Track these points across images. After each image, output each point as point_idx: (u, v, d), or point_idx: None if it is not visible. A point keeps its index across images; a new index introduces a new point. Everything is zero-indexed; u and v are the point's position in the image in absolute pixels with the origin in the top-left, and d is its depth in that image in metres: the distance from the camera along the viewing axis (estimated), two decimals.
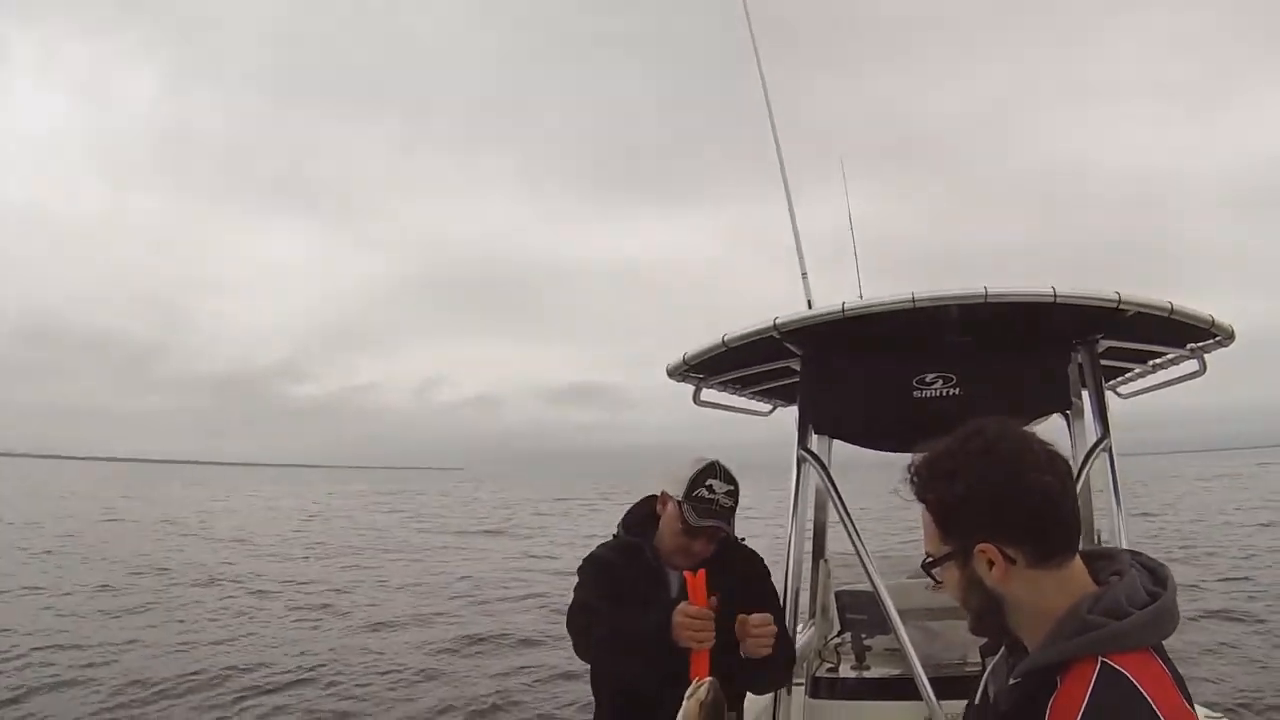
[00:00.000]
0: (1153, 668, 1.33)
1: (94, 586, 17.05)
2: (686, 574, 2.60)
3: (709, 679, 2.12)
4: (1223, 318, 3.00)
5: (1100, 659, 1.32)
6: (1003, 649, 1.57)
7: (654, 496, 2.95)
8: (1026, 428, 1.53)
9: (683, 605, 2.50)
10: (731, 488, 2.79)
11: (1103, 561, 1.48)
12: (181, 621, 13.89)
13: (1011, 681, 1.44)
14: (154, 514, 39.05)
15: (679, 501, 2.77)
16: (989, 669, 1.61)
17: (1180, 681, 1.36)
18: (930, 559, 1.51)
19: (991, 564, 1.42)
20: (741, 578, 2.78)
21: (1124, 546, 2.40)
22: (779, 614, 2.87)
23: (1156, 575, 1.45)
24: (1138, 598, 1.39)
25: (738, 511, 2.82)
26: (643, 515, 2.96)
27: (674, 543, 2.82)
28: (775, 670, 2.83)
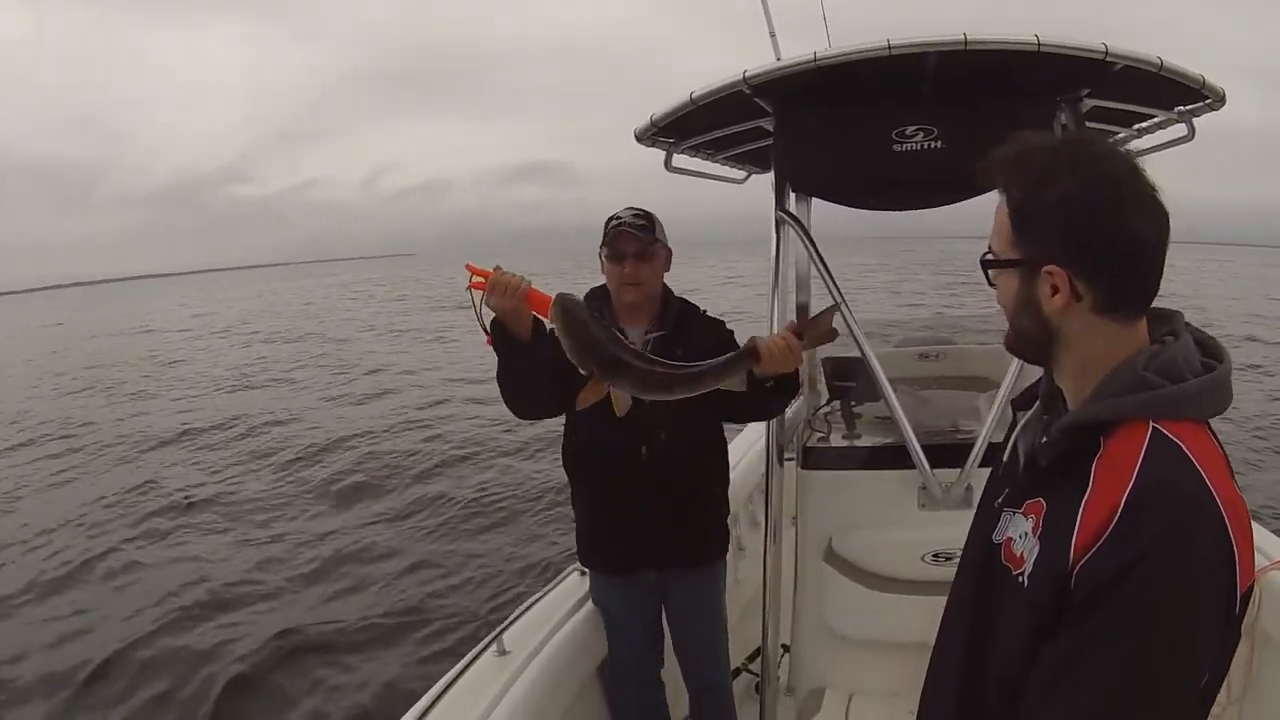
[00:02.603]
0: (1208, 445, 1.24)
1: None
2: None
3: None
4: (1214, 79, 2.88)
5: (1152, 424, 1.22)
6: (1036, 404, 1.48)
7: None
8: None
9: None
10: (638, 211, 2.88)
11: (1158, 322, 1.35)
12: None
13: (1049, 436, 1.36)
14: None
15: (600, 246, 2.88)
16: (1019, 424, 1.52)
17: (1228, 461, 1.27)
18: (992, 257, 1.37)
19: (1056, 290, 1.28)
20: (705, 345, 2.73)
21: None
22: None
23: (1207, 346, 1.35)
24: (1195, 364, 1.29)
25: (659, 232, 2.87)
26: (600, 291, 2.98)
27: (612, 283, 2.89)
28: (776, 402, 2.83)
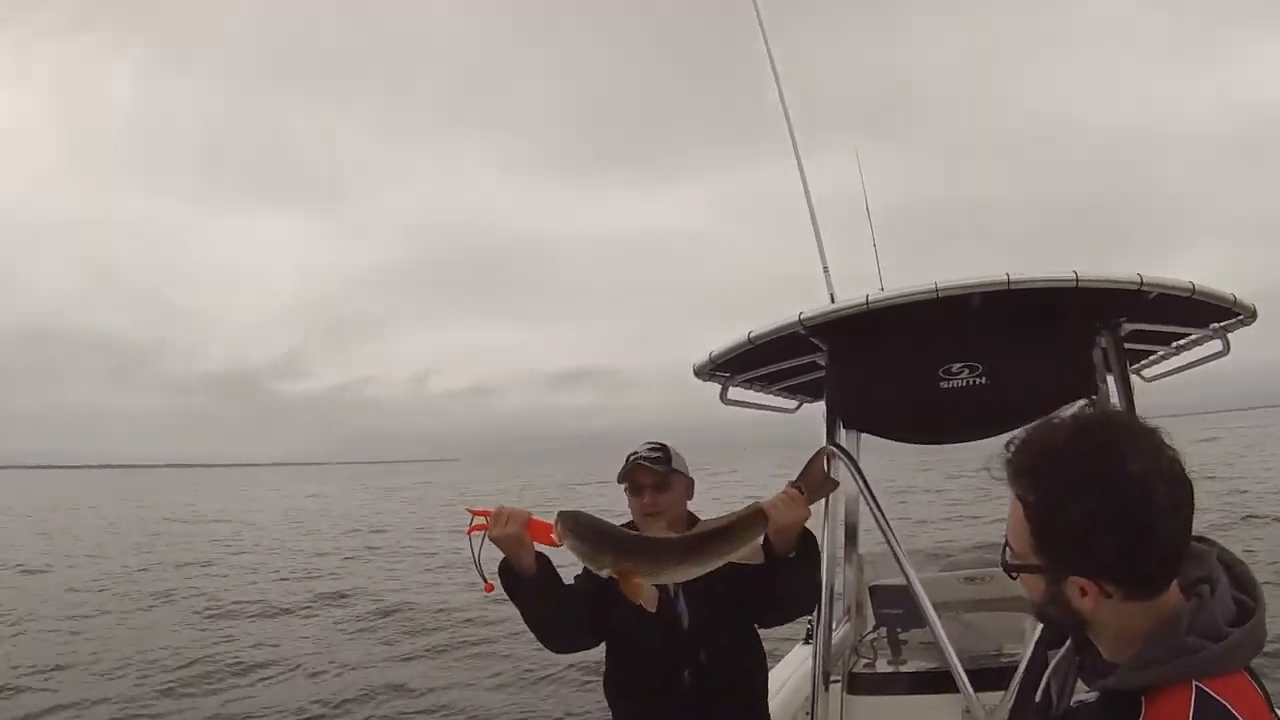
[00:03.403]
0: (1249, 696, 1.25)
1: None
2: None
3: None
4: (1244, 296, 2.99)
5: (1195, 684, 1.22)
6: (1068, 643, 1.48)
7: None
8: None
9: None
10: (654, 445, 2.96)
11: (1190, 562, 1.33)
12: None
13: (1087, 695, 1.36)
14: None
15: (618, 480, 2.97)
16: (1052, 664, 1.50)
17: (1269, 701, 1.28)
18: (1013, 560, 1.37)
19: (1084, 593, 1.29)
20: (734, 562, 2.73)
21: None
22: None
23: (1240, 579, 1.35)
24: (1231, 610, 1.29)
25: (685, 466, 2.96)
26: (628, 526, 3.02)
27: (635, 515, 2.95)
28: (801, 577, 2.77)
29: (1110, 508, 1.24)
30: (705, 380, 3.61)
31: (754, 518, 2.55)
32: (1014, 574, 1.39)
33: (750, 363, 3.57)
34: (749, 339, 3.18)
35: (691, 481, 3.03)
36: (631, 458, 2.93)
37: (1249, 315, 3.14)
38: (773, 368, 3.70)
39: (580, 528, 2.47)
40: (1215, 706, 1.21)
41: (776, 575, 2.66)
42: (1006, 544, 1.39)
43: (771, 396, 4.30)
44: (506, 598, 2.68)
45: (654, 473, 2.90)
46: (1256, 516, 18.33)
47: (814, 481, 2.68)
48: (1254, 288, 3.20)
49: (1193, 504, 1.28)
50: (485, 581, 2.61)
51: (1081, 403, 3.10)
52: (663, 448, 2.95)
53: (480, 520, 2.56)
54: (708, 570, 2.53)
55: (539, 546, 2.61)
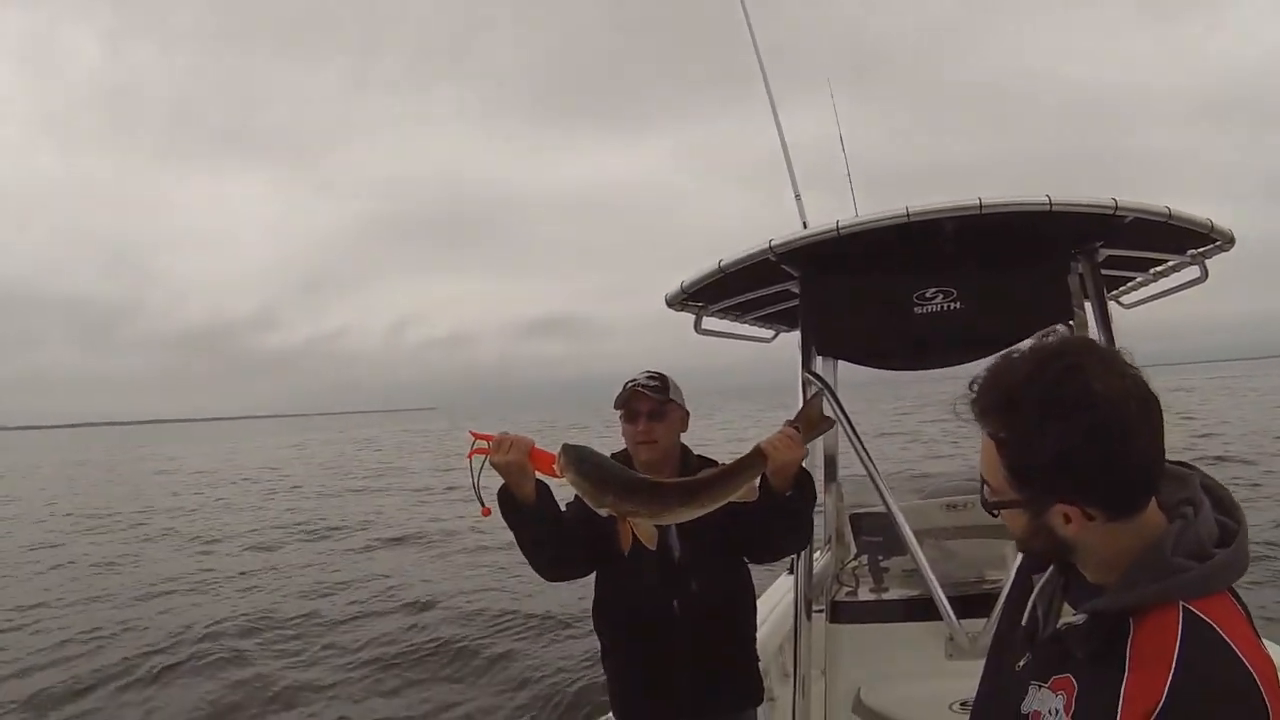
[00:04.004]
0: (1235, 616, 1.26)
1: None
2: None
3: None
4: (1221, 222, 2.98)
5: (1182, 605, 1.24)
6: (1051, 567, 1.47)
7: None
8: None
9: None
10: (653, 373, 2.99)
11: (1172, 485, 1.35)
12: None
13: (1076, 616, 1.36)
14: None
15: (615, 408, 3.00)
16: (1037, 589, 1.50)
17: (1251, 620, 1.29)
18: (992, 498, 1.38)
19: (1068, 519, 1.30)
20: None
21: None
22: None
23: (1222, 501, 1.36)
24: (1214, 532, 1.30)
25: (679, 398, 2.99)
26: (621, 455, 3.03)
27: (629, 442, 2.99)
28: (796, 516, 2.79)
29: (1082, 427, 1.23)
30: (678, 310, 3.58)
31: (753, 458, 2.58)
32: (995, 512, 1.39)
33: (723, 292, 3.56)
34: (720, 267, 3.16)
35: (687, 414, 3.05)
36: (629, 385, 2.96)
37: (1226, 241, 3.14)
38: (746, 296, 3.69)
39: (584, 464, 2.49)
40: (1202, 626, 1.22)
41: (772, 514, 2.68)
42: (984, 483, 1.39)
43: (746, 326, 4.29)
44: (503, 522, 2.69)
45: (651, 400, 2.93)
46: (1226, 459, 18.89)
47: (810, 421, 2.70)
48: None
49: (1163, 419, 1.28)
50: (482, 505, 2.62)
51: (1059, 328, 3.12)
52: (661, 377, 2.98)
53: (481, 445, 2.56)
54: (707, 512, 2.55)
55: (539, 475, 2.62)
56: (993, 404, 1.33)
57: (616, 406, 2.98)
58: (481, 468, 2.56)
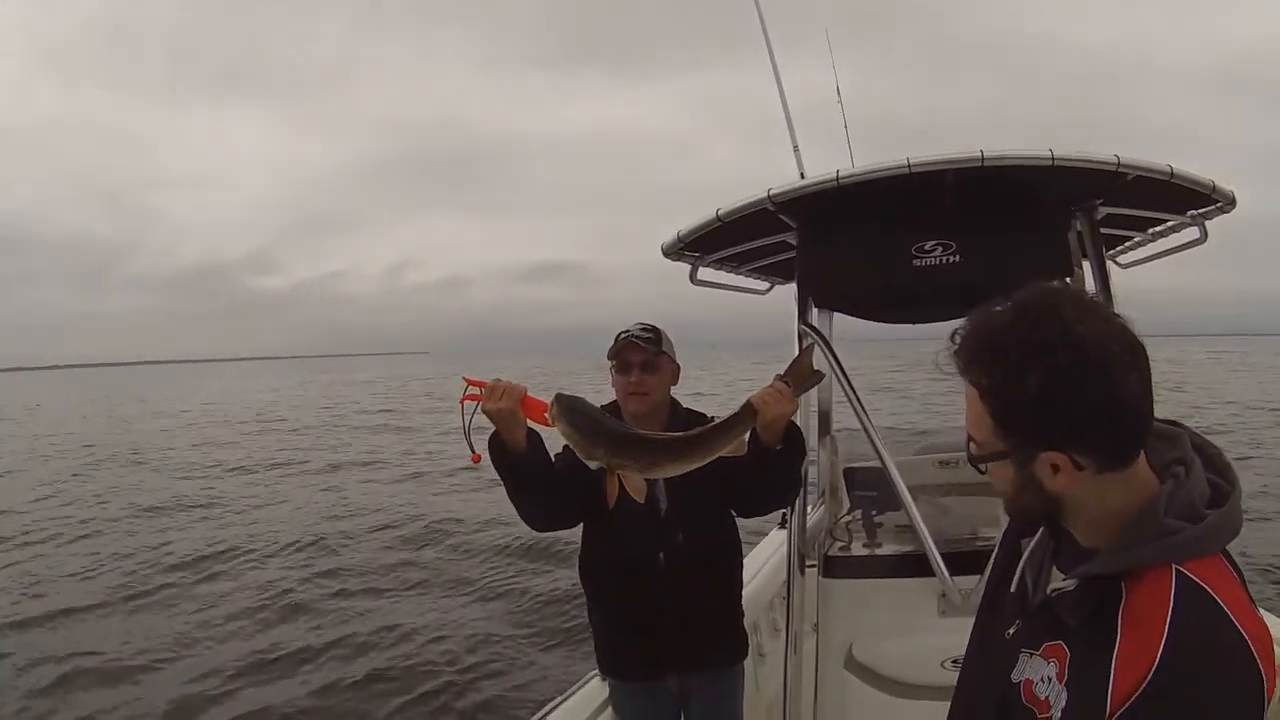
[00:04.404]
0: (1229, 579, 1.25)
1: None
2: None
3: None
4: (1223, 183, 2.96)
5: (1175, 568, 1.22)
6: (1041, 530, 1.46)
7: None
8: None
9: None
10: (646, 325, 3.00)
11: (1162, 444, 1.33)
12: None
13: (1066, 581, 1.34)
14: None
15: (607, 358, 3.02)
16: (1026, 553, 1.48)
17: (1244, 582, 1.29)
18: (979, 452, 1.35)
19: (1057, 469, 1.26)
20: None
21: None
22: None
23: (1213, 461, 1.34)
24: (1206, 495, 1.28)
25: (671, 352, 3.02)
26: (610, 407, 3.04)
27: (619, 393, 3.00)
28: (785, 470, 2.81)
29: (1065, 365, 1.20)
30: (674, 259, 3.56)
31: (743, 413, 2.57)
32: (981, 466, 1.36)
33: (720, 242, 3.53)
34: (717, 216, 3.12)
35: (678, 367, 3.05)
36: (623, 336, 2.98)
37: (1228, 202, 3.10)
38: (743, 247, 3.66)
39: (576, 415, 2.47)
40: (1196, 589, 1.20)
41: (760, 467, 2.69)
42: (970, 439, 1.36)
43: (742, 278, 4.27)
44: (493, 470, 2.70)
45: (644, 351, 2.93)
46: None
47: (800, 375, 2.69)
48: (1233, 219, 3.18)
49: (1149, 365, 1.25)
50: (473, 451, 2.62)
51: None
52: (654, 329, 2.98)
53: (474, 390, 2.56)
54: (697, 467, 2.54)
55: (530, 424, 2.62)
56: (974, 351, 1.30)
57: (610, 357, 2.98)
58: (474, 414, 2.56)
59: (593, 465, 2.50)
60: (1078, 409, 1.21)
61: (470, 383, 2.57)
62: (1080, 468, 1.25)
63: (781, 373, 2.69)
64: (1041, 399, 1.22)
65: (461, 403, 2.56)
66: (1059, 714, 1.27)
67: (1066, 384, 1.21)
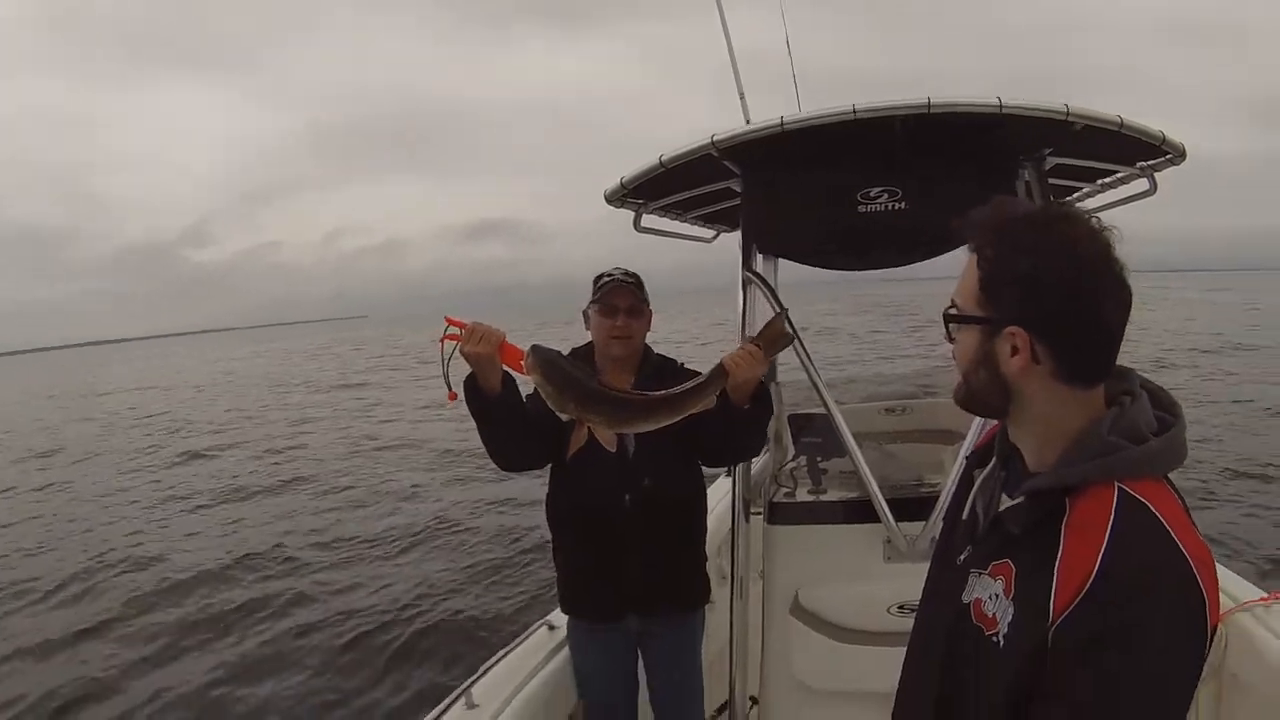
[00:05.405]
0: (1169, 499, 1.28)
1: None
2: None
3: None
4: (1173, 134, 2.96)
5: (1118, 485, 1.26)
6: (993, 461, 1.50)
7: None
8: None
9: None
10: (627, 270, 3.05)
11: (1113, 381, 1.37)
12: None
13: (1016, 498, 1.38)
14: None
15: (591, 301, 3.04)
16: (978, 483, 1.53)
17: (1188, 510, 1.32)
18: (955, 311, 1.39)
19: (1015, 351, 1.31)
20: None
21: None
22: None
23: (1160, 399, 1.39)
24: (1152, 422, 1.33)
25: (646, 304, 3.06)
26: (583, 350, 3.11)
27: (600, 337, 3.03)
28: (752, 428, 2.87)
29: (1060, 269, 1.26)
30: (617, 206, 3.50)
31: (715, 374, 2.63)
32: (952, 330, 1.40)
33: (664, 188, 3.48)
34: (660, 161, 3.08)
35: (651, 314, 3.09)
36: (608, 279, 3.01)
37: (1178, 154, 3.11)
38: (688, 194, 3.63)
39: (550, 367, 2.51)
40: (1137, 505, 1.24)
41: (728, 425, 2.74)
42: (952, 303, 1.40)
43: (688, 226, 4.24)
44: (466, 410, 2.74)
45: (633, 296, 2.98)
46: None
47: (772, 338, 2.73)
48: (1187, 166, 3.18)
49: (1130, 309, 1.30)
50: (450, 390, 2.66)
51: None
52: (636, 275, 3.02)
53: (454, 331, 2.57)
54: (665, 425, 2.60)
55: (505, 369, 2.65)
56: (988, 221, 1.35)
57: (595, 300, 2.99)
58: (452, 354, 2.58)
59: (564, 417, 2.56)
60: (1055, 303, 1.27)
61: (450, 322, 2.58)
62: (1037, 361, 1.30)
63: (753, 336, 2.75)
64: (1029, 276, 1.28)
65: (441, 342, 2.57)
66: (1005, 628, 1.30)
67: (1055, 277, 1.26)
